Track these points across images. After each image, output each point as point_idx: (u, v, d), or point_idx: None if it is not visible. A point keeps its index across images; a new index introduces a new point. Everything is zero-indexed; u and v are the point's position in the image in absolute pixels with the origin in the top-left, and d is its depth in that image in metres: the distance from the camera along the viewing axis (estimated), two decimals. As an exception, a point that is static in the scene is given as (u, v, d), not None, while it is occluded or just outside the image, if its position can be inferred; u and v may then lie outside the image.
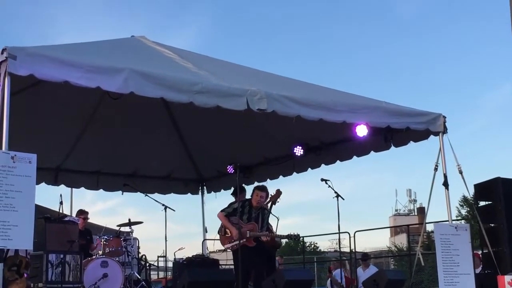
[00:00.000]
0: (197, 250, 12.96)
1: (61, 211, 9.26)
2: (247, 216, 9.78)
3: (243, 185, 11.24)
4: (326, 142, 11.39)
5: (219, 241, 10.15)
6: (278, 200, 10.65)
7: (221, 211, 9.89)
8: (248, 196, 10.64)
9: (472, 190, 9.77)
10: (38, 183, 7.51)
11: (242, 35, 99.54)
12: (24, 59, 6.35)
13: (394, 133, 9.85)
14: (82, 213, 11.67)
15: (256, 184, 12.89)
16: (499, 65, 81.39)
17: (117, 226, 11.07)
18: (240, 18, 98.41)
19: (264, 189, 10.04)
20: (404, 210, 67.08)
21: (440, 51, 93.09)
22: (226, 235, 9.79)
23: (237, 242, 9.39)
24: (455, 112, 74.30)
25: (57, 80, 6.62)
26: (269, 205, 10.64)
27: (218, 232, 10.02)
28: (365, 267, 14.31)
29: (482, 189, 9.72)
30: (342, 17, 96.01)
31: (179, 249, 13.29)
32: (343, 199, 10.16)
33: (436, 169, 9.29)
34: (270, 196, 10.58)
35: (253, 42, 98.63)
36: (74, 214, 12.14)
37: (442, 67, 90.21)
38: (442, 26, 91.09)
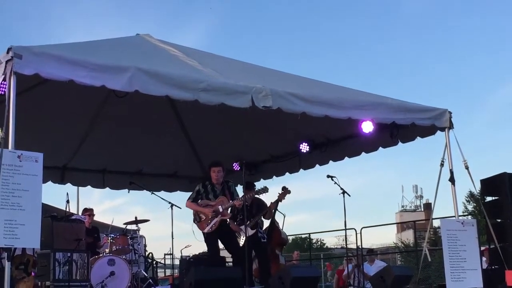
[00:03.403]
0: (204, 248, 12.95)
1: (67, 210, 9.28)
2: (213, 194, 9.82)
3: (252, 182, 11.22)
4: (332, 138, 11.40)
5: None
6: (284, 198, 10.66)
7: (187, 199, 9.93)
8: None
9: (478, 186, 9.77)
10: (44, 181, 7.53)
11: (248, 32, 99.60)
12: (30, 58, 6.38)
13: (400, 129, 9.85)
14: (87, 211, 11.70)
15: (262, 181, 12.97)
16: (507, 62, 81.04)
17: (124, 224, 11.10)
18: (247, 16, 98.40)
19: (217, 163, 10.03)
20: (411, 206, 66.91)
21: (447, 48, 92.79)
22: (202, 220, 9.78)
23: (215, 221, 9.51)
24: (463, 109, 74.21)
25: (62, 79, 6.64)
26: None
27: (194, 222, 9.88)
28: (371, 262, 14.37)
29: (489, 184, 9.70)
30: (348, 14, 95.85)
31: (185, 247, 13.33)
32: (349, 195, 10.18)
33: (442, 165, 9.28)
34: (279, 193, 10.57)
35: (260, 39, 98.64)
36: (80, 213, 12.17)
37: (449, 63, 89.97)
38: (448, 22, 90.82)
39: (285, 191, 10.48)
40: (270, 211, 10.73)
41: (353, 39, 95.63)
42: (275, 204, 10.62)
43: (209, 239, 9.72)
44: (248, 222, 9.90)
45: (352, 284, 10.97)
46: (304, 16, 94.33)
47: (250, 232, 10.02)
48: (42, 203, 6.65)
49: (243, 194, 10.18)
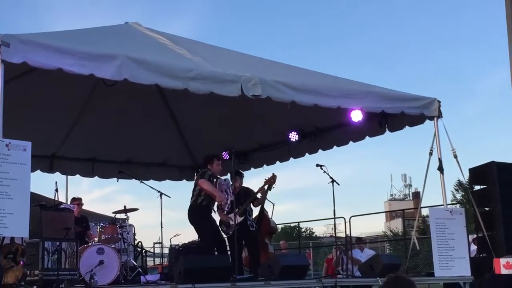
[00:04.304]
0: (193, 236, 12.97)
1: (56, 199, 9.23)
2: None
3: (240, 170, 11.24)
4: (321, 127, 11.41)
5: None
6: (274, 186, 10.69)
7: (202, 178, 9.61)
8: (244, 182, 10.74)
9: (467, 175, 9.81)
10: (33, 170, 7.53)
11: (238, 21, 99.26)
12: (18, 46, 6.35)
13: (389, 118, 9.87)
14: (76, 200, 11.65)
15: (252, 170, 12.98)
16: (495, 51, 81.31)
17: (113, 213, 11.07)
18: (237, 5, 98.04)
19: (220, 157, 10.19)
20: (399, 195, 67.16)
21: (436, 37, 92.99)
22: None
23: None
24: (452, 99, 74.32)
25: (51, 67, 6.62)
26: (265, 187, 10.66)
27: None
28: (361, 249, 14.44)
29: (477, 173, 9.75)
30: (338, 3, 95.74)
31: (175, 236, 13.27)
32: (338, 184, 10.16)
33: (431, 154, 9.33)
34: (265, 179, 10.63)
35: (250, 28, 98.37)
36: (69, 202, 12.11)
37: (438, 53, 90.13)
38: (437, 11, 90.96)
39: (273, 177, 10.55)
40: (258, 198, 10.74)
41: (342, 27, 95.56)
42: (262, 189, 10.63)
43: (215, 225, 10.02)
44: (237, 209, 9.95)
45: (340, 272, 10.98)
46: (294, 5, 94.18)
47: (239, 219, 10.06)
48: (31, 192, 6.63)
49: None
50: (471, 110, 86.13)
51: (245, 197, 10.45)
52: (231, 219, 9.97)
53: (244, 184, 10.78)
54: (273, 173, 10.69)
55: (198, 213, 9.68)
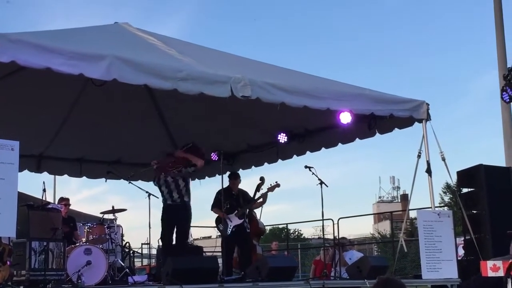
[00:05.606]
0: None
1: (44, 199, 9.20)
2: None
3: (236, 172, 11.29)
4: (311, 129, 11.42)
5: (202, 228, 10.28)
6: (262, 188, 10.69)
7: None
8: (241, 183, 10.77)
9: (455, 177, 9.84)
10: (20, 170, 7.48)
11: (230, 21, 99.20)
12: (6, 45, 6.31)
13: (378, 120, 9.89)
14: (63, 200, 11.61)
15: (241, 171, 12.98)
16: (485, 53, 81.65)
17: (101, 213, 11.03)
18: (229, 5, 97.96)
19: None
20: (388, 197, 67.37)
21: (425, 39, 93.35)
22: None
23: None
24: (441, 101, 74.57)
25: (39, 66, 6.59)
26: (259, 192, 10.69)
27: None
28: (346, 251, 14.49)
29: (465, 176, 9.80)
30: (327, 3, 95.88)
31: (163, 236, 13.25)
32: (327, 186, 10.17)
33: (419, 156, 9.36)
34: (267, 188, 10.63)
35: (241, 29, 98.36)
36: (57, 202, 12.06)
37: (428, 55, 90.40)
38: (427, 13, 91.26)
39: (276, 185, 10.57)
40: (261, 203, 10.82)
41: (331, 29, 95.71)
42: (265, 195, 10.66)
43: None
44: (236, 211, 10.03)
45: (328, 274, 10.99)
46: (285, 6, 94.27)
47: (239, 221, 10.16)
48: (18, 192, 6.59)
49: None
50: (460, 113, 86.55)
51: (244, 200, 10.49)
52: (230, 220, 10.05)
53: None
54: (276, 182, 10.67)
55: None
